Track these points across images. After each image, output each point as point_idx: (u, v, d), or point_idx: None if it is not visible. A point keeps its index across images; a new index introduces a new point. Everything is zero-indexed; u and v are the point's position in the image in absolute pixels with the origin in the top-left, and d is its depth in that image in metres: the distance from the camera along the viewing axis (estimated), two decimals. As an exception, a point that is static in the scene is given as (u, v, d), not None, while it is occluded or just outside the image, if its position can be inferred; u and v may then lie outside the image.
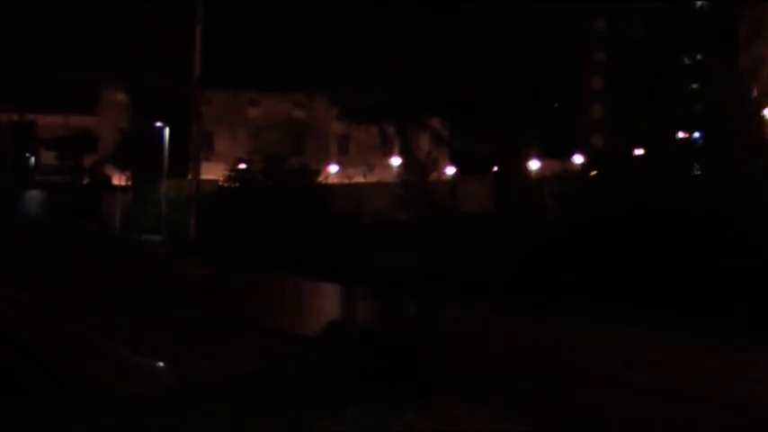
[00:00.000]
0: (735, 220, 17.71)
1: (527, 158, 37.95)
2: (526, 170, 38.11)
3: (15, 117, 75.96)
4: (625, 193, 20.07)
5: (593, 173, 25.20)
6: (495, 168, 38.51)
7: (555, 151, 40.75)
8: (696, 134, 22.81)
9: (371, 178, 56.52)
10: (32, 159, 79.26)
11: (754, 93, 24.23)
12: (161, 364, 18.36)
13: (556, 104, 34.33)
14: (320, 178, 46.22)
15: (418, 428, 13.99)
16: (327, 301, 22.21)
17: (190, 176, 45.57)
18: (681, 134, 23.59)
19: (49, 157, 76.26)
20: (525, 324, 16.92)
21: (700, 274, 17.03)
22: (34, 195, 72.61)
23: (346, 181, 61.44)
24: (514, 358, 16.46)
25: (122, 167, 73.45)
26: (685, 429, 13.10)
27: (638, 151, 24.96)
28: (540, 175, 40.72)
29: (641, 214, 19.22)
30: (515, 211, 30.34)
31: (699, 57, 31.91)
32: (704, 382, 13.37)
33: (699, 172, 21.20)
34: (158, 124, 64.71)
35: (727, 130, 20.52)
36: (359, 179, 58.29)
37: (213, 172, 54.43)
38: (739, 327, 14.63)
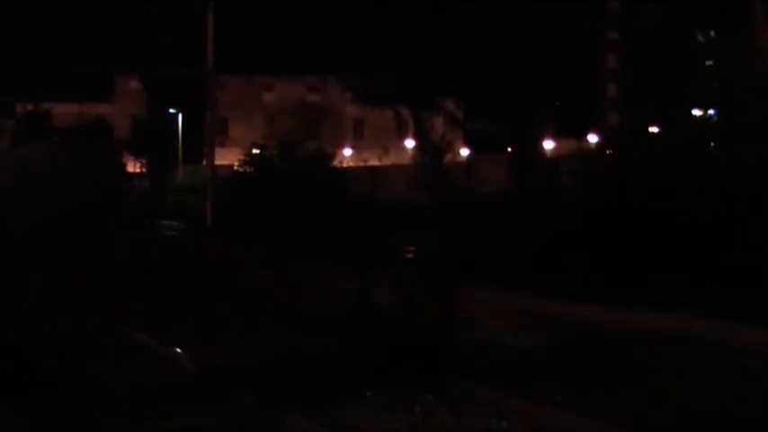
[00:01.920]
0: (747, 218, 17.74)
1: (542, 138, 37.95)
2: (542, 150, 38.10)
3: (30, 107, 76.09)
4: (640, 180, 20.11)
5: (609, 151, 25.21)
6: (510, 149, 38.53)
7: (570, 130, 40.73)
8: (711, 112, 22.81)
9: (387, 161, 56.62)
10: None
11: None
12: (180, 350, 18.41)
13: (569, 87, 34.36)
14: (335, 162, 46.29)
15: (436, 411, 14.03)
16: (348, 285, 22.25)
17: (205, 162, 45.72)
18: (697, 112, 23.60)
19: (64, 146, 76.36)
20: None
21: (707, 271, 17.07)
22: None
23: (361, 164, 61.54)
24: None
25: (137, 155, 73.62)
26: None
27: (653, 129, 24.97)
28: (556, 155, 40.71)
29: (654, 203, 19.26)
30: (531, 191, 30.36)
31: (712, 34, 31.84)
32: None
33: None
34: (172, 111, 64.80)
35: (739, 107, 20.52)
36: (374, 162, 58.39)
37: (228, 157, 54.54)
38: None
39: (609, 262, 19.43)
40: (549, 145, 42.69)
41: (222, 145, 60.44)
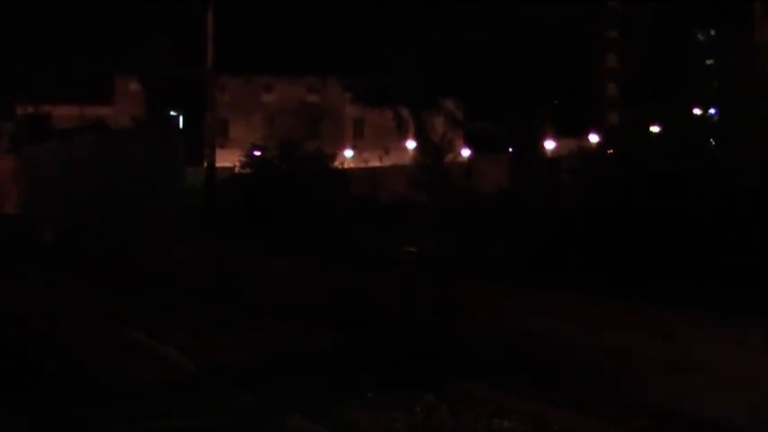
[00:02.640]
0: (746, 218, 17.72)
1: (542, 138, 37.96)
2: (542, 149, 38.12)
3: (30, 109, 76.14)
4: (640, 179, 20.07)
5: (609, 151, 25.18)
6: (510, 149, 38.53)
7: (570, 130, 40.76)
8: (711, 111, 22.77)
9: (387, 161, 56.57)
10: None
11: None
12: (178, 351, 18.43)
13: (569, 86, 34.37)
14: (336, 163, 46.25)
15: (436, 410, 14.04)
16: (348, 285, 22.25)
17: (205, 164, 45.65)
18: (697, 111, 23.57)
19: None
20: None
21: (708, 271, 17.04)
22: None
23: (362, 165, 61.50)
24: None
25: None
26: None
27: (654, 128, 24.95)
28: (556, 154, 40.74)
29: (654, 202, 19.21)
30: (531, 191, 30.36)
31: (712, 33, 31.87)
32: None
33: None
34: (172, 113, 64.84)
35: (739, 107, 20.48)
36: (374, 163, 58.35)
37: (229, 159, 54.46)
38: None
39: (609, 262, 19.41)
40: (549, 145, 42.76)
41: (222, 146, 60.34)
